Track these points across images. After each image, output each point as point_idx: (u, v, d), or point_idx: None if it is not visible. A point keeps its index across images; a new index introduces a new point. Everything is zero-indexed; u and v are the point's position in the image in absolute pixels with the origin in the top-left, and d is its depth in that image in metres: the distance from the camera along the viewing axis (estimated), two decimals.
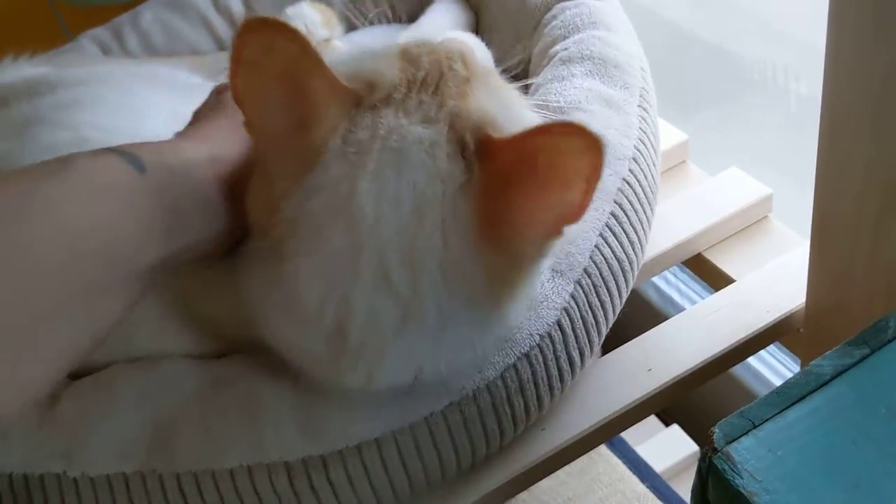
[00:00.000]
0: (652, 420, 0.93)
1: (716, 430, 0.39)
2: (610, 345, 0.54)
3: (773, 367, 0.86)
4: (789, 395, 0.40)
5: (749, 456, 0.38)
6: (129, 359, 0.44)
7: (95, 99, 0.57)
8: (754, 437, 0.38)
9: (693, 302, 0.91)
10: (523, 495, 0.83)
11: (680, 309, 0.94)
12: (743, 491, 0.37)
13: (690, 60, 0.85)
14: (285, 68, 0.37)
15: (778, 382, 0.58)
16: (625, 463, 0.85)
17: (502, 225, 0.37)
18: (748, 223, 0.59)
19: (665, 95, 0.85)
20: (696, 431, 0.91)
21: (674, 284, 0.96)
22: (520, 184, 0.36)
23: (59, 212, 0.34)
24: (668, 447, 0.88)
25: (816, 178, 0.45)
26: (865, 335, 0.41)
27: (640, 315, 0.98)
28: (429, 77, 0.39)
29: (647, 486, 0.84)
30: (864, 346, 0.41)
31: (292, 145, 0.38)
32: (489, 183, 0.37)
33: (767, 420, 0.39)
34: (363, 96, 0.38)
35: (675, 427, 0.91)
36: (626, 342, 0.53)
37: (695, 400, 0.86)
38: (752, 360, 0.86)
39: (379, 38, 0.69)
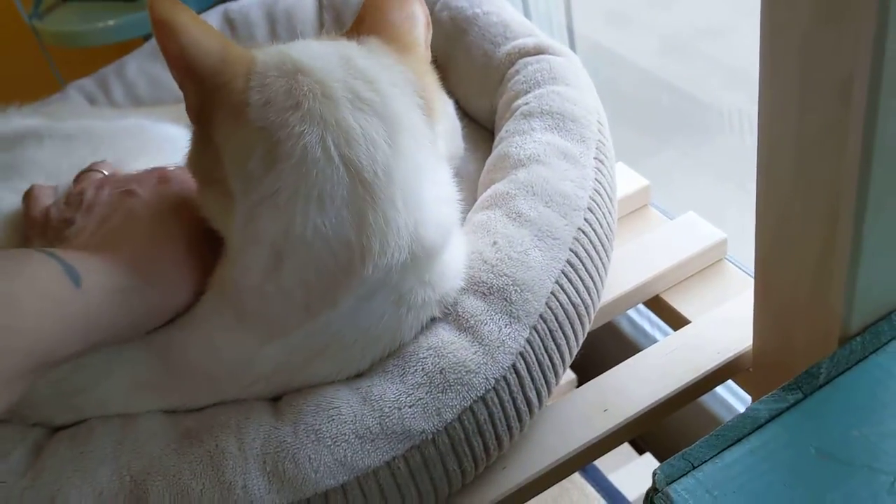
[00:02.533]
0: (625, 448, 0.96)
1: (658, 471, 0.41)
2: (589, 373, 0.57)
3: (742, 397, 0.89)
4: (727, 438, 0.42)
5: (688, 496, 0.40)
6: (104, 415, 0.47)
7: (76, 154, 0.60)
8: (693, 478, 0.41)
9: (665, 333, 0.93)
10: None
11: (651, 340, 0.97)
12: None
13: (658, 105, 0.89)
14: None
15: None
16: (598, 491, 0.88)
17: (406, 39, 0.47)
18: (703, 266, 0.62)
19: (632, 138, 0.88)
20: None
21: (645, 315, 0.99)
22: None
23: None
24: (640, 475, 0.90)
25: (756, 228, 0.48)
26: (799, 381, 0.44)
27: (615, 345, 1.01)
28: None
29: None
30: (798, 391, 0.43)
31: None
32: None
33: (706, 461, 0.42)
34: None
35: (648, 455, 0.93)
36: (603, 370, 0.56)
37: (667, 429, 0.89)
38: (720, 389, 0.89)
39: None
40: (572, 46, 0.94)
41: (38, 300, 0.39)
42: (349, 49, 0.46)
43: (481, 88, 0.65)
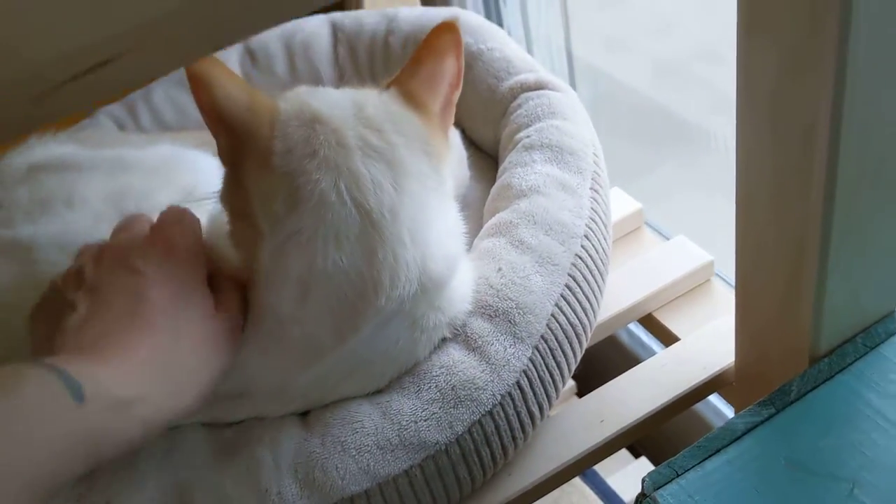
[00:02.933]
0: (623, 453, 1.01)
1: (646, 478, 0.47)
2: (591, 382, 0.62)
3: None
4: (708, 448, 0.47)
5: (672, 500, 0.45)
6: None
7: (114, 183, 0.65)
8: (677, 485, 0.46)
9: (659, 345, 0.99)
10: None
11: (649, 350, 1.02)
12: None
13: (652, 128, 0.94)
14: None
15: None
16: (596, 493, 0.93)
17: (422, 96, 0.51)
18: (692, 286, 0.67)
19: (627, 160, 0.93)
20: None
21: (643, 329, 1.03)
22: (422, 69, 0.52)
23: None
24: (636, 479, 0.95)
25: (736, 256, 0.53)
26: (773, 397, 0.49)
27: (616, 356, 1.06)
28: None
29: None
30: (771, 406, 0.49)
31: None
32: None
33: (689, 470, 0.47)
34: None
35: (644, 459, 0.98)
36: (603, 379, 0.61)
37: (662, 435, 0.94)
38: (712, 397, 0.94)
39: None
40: (571, 70, 0.98)
41: (37, 426, 0.37)
42: (365, 98, 0.51)
43: (486, 120, 0.70)
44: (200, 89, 0.48)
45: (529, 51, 1.03)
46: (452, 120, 0.54)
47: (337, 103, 0.50)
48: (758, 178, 0.48)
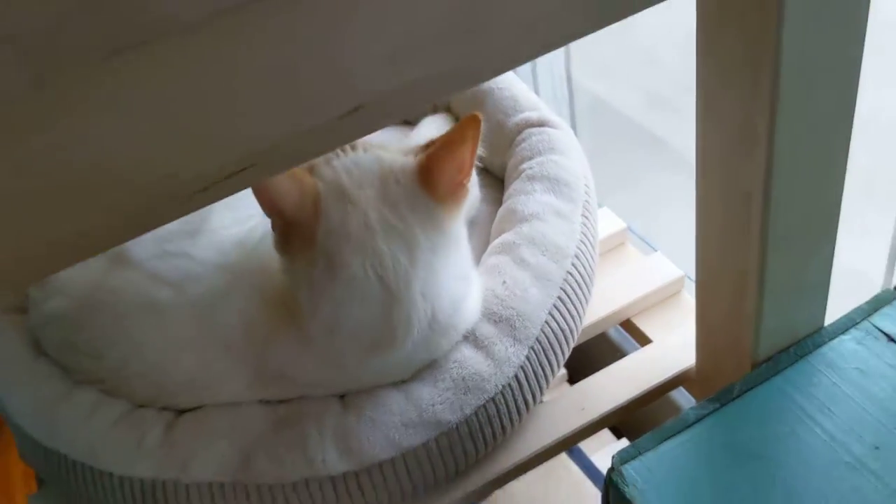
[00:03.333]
0: (607, 435, 1.13)
1: (615, 456, 0.59)
2: (584, 372, 0.75)
3: None
4: (665, 433, 0.60)
5: (635, 474, 0.58)
6: (216, 403, 0.64)
7: None
8: (639, 461, 0.58)
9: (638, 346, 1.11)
10: (500, 496, 1.04)
11: (633, 345, 1.15)
12: (628, 497, 0.57)
13: (641, 150, 1.05)
14: None
15: None
16: (581, 469, 1.06)
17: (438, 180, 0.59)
18: (665, 297, 0.79)
19: (617, 178, 1.04)
20: None
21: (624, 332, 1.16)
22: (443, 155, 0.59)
23: None
24: None
25: (696, 280, 0.65)
26: (719, 395, 0.61)
27: (605, 348, 1.19)
28: None
29: (600, 489, 1.04)
30: (717, 402, 0.61)
31: None
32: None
33: (649, 450, 0.59)
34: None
35: (625, 440, 1.11)
36: (593, 370, 0.74)
37: (641, 419, 1.07)
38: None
39: (387, 137, 0.88)
40: (570, 95, 1.10)
41: None
42: (389, 172, 0.60)
43: (495, 149, 0.82)
44: (260, 190, 0.57)
45: (534, 74, 1.15)
46: (464, 193, 0.62)
47: (365, 180, 0.59)
48: (711, 225, 0.60)
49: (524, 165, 0.77)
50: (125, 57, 0.28)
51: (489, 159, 0.84)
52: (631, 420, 0.83)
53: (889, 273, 0.75)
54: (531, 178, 0.75)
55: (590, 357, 0.91)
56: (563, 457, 1.09)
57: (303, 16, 0.32)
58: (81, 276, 0.67)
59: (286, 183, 0.58)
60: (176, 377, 0.63)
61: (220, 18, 0.30)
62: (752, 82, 0.48)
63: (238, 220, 0.68)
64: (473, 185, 0.79)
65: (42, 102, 0.27)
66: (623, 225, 0.86)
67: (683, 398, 1.08)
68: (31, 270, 0.34)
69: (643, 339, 0.78)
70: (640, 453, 0.59)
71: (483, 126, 0.81)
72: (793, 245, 0.57)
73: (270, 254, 0.62)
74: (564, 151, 0.77)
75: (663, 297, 0.80)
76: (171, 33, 0.29)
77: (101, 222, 0.33)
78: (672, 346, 0.74)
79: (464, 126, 0.58)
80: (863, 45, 0.49)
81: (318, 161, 0.60)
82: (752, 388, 0.61)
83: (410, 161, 0.60)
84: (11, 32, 0.26)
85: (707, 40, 0.51)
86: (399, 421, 0.62)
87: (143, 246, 0.66)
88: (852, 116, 0.53)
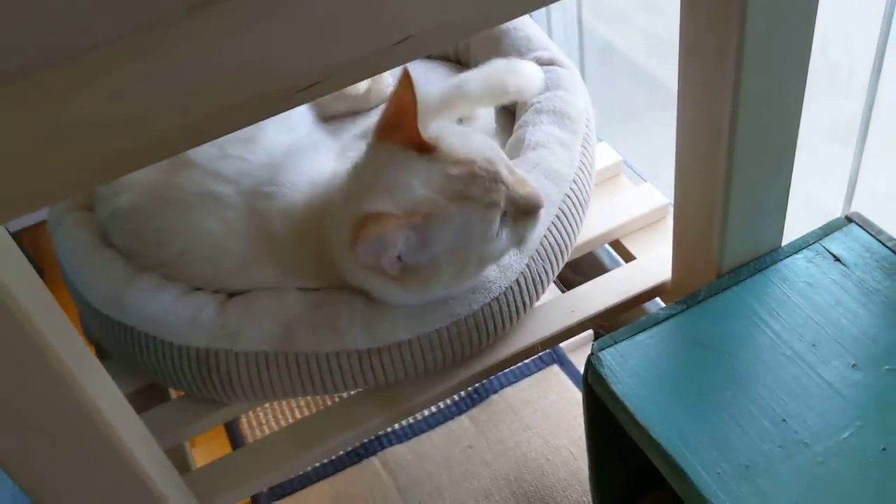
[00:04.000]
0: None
1: (594, 343, 0.71)
2: (577, 283, 0.85)
3: None
4: (638, 328, 0.71)
5: (611, 358, 0.70)
6: (264, 287, 0.76)
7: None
8: (614, 349, 0.70)
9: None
10: (498, 400, 1.17)
11: (617, 264, 1.27)
12: (604, 377, 0.69)
13: (642, 90, 1.15)
14: None
15: None
16: (570, 379, 1.18)
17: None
18: (651, 222, 0.90)
19: (616, 116, 1.14)
20: None
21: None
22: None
23: None
24: None
25: (674, 203, 0.76)
26: (687, 298, 0.73)
27: (596, 266, 1.31)
28: None
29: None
30: (685, 304, 0.72)
31: None
32: None
33: (624, 340, 0.71)
34: None
35: None
36: (583, 282, 0.85)
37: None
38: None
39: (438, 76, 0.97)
40: (581, 38, 1.19)
41: None
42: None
43: None
44: None
45: (548, 18, 1.23)
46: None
47: None
48: (687, 156, 0.70)
49: (533, 100, 0.87)
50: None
51: None
52: (614, 327, 0.95)
53: (847, 202, 0.85)
54: (538, 111, 0.85)
55: (582, 271, 1.03)
56: (556, 368, 1.22)
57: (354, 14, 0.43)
58: (146, 176, 0.78)
59: None
60: (230, 261, 0.74)
61: None
62: (723, 37, 0.58)
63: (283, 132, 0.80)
64: (490, 115, 0.90)
65: (192, 24, 0.37)
66: (619, 158, 0.96)
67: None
68: (156, 155, 0.45)
69: (629, 257, 0.89)
70: (615, 342, 0.71)
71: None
72: (753, 175, 0.67)
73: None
74: (570, 88, 0.87)
75: (649, 222, 0.91)
76: None
77: (225, 114, 0.44)
78: (652, 262, 0.86)
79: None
80: (816, 7, 0.59)
81: None
82: (715, 294, 0.73)
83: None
84: None
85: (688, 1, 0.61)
86: (418, 310, 0.74)
87: (204, 150, 0.76)
88: (806, 68, 0.63)
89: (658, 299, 0.97)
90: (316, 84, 0.46)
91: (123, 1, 0.35)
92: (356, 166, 0.70)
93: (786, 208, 0.72)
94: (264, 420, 1.27)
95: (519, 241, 0.71)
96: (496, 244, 0.69)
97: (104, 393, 0.56)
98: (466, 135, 0.70)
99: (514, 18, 0.50)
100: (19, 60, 0.34)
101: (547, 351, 1.18)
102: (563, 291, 1.08)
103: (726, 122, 0.63)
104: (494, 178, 0.67)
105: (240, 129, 0.45)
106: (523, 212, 0.69)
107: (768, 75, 0.61)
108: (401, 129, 0.67)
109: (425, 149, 0.67)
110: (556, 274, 0.81)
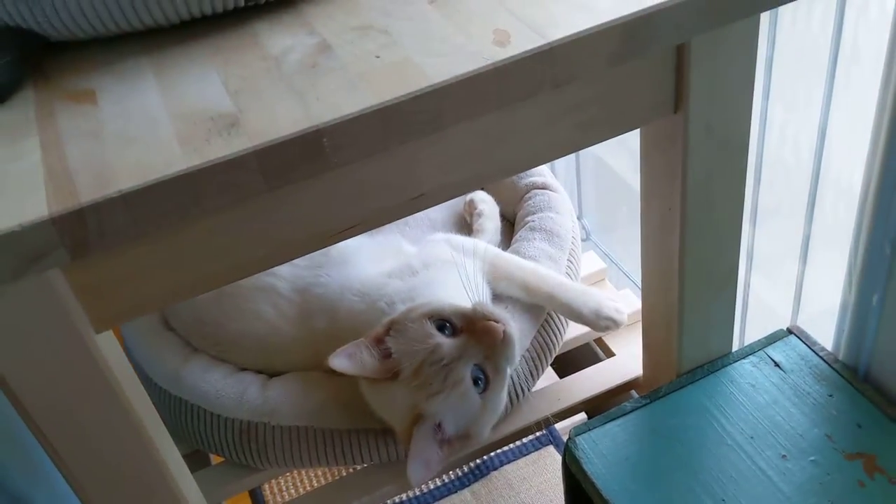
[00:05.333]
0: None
1: (572, 430, 0.85)
2: (567, 371, 0.99)
3: None
4: (609, 417, 0.85)
5: (585, 443, 0.84)
6: (302, 368, 0.91)
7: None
8: (588, 434, 0.84)
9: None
10: (497, 476, 1.29)
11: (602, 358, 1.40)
12: (578, 458, 0.82)
13: (628, 203, 1.31)
14: None
15: None
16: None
17: None
18: (629, 323, 1.05)
19: (604, 224, 1.30)
20: None
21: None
22: None
23: None
24: None
25: (642, 312, 0.91)
26: (650, 394, 0.87)
27: (583, 358, 1.45)
28: None
29: None
30: (648, 398, 0.87)
31: None
32: None
33: (596, 427, 0.85)
34: None
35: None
36: (577, 369, 0.99)
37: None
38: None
39: None
40: (577, 157, 1.36)
41: None
42: None
43: (507, 202, 1.09)
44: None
45: None
46: None
47: None
48: (649, 277, 0.86)
49: (528, 218, 1.03)
50: (318, 177, 0.54)
51: (504, 209, 1.11)
52: (600, 411, 1.09)
53: (795, 310, 0.99)
54: (532, 229, 1.02)
55: (572, 362, 1.17)
56: (551, 449, 1.35)
57: (393, 161, 0.59)
58: None
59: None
60: (278, 342, 0.90)
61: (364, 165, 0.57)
62: (670, 186, 0.74)
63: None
64: (497, 228, 1.05)
65: (271, 194, 0.53)
66: (603, 265, 1.12)
67: None
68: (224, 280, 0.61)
69: (609, 353, 1.04)
70: (590, 429, 0.85)
71: (501, 185, 1.08)
72: (702, 294, 0.82)
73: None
74: (559, 210, 1.03)
75: (627, 323, 1.05)
76: (321, 173, 0.56)
77: (288, 247, 0.60)
78: (629, 359, 1.00)
79: None
80: (745, 162, 0.75)
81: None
82: (674, 391, 0.87)
83: None
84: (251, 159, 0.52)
85: (646, 157, 0.77)
86: None
87: None
88: (741, 208, 0.78)
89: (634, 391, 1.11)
90: (353, 227, 0.62)
91: (227, 181, 0.51)
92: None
93: (732, 322, 0.87)
94: (285, 487, 1.40)
95: (506, 366, 0.78)
96: (493, 396, 0.78)
97: (171, 454, 0.71)
98: (405, 329, 0.77)
99: (507, 177, 0.64)
100: (158, 221, 0.51)
101: (543, 432, 1.32)
102: (560, 377, 1.23)
103: (676, 251, 0.78)
104: (432, 354, 0.75)
105: (298, 258, 0.61)
106: (489, 347, 0.76)
107: (708, 216, 0.77)
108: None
109: (391, 377, 0.77)
110: (546, 367, 0.96)
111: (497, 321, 0.76)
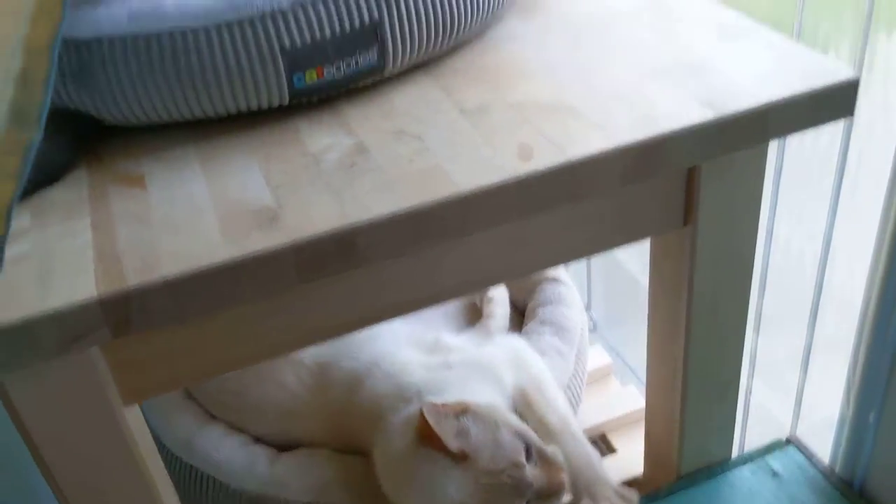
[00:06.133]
0: None
1: None
2: None
3: None
4: None
5: None
6: (312, 441, 0.93)
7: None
8: None
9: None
10: None
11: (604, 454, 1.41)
12: None
13: (635, 296, 1.34)
14: None
15: None
16: None
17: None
18: (632, 421, 1.07)
19: (612, 316, 1.33)
20: None
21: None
22: None
23: None
24: None
25: (646, 414, 0.93)
26: (650, 494, 0.88)
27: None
28: None
29: None
30: (650, 500, 0.88)
31: None
32: None
33: None
34: None
35: None
36: None
37: None
38: None
39: None
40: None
41: None
42: None
43: (519, 292, 1.12)
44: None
45: None
46: None
47: None
48: (654, 385, 0.88)
49: (539, 310, 1.07)
50: (349, 272, 0.58)
51: (514, 297, 1.14)
52: None
53: (795, 419, 1.01)
54: (542, 322, 1.05)
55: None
56: None
57: (418, 259, 0.63)
58: None
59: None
60: (295, 408, 0.92)
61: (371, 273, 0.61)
62: (677, 299, 0.78)
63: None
64: (505, 304, 1.08)
65: (303, 287, 0.57)
66: (609, 360, 1.14)
67: None
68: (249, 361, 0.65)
69: (611, 449, 1.05)
70: None
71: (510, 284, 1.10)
72: (703, 401, 0.85)
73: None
74: (569, 304, 1.06)
75: (630, 422, 1.07)
76: (352, 269, 0.60)
77: (313, 333, 0.64)
78: (631, 456, 1.02)
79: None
80: (751, 275, 0.78)
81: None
82: (673, 493, 0.89)
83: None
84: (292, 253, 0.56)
85: (655, 265, 0.81)
86: None
87: None
88: (744, 321, 0.81)
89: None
90: (374, 318, 0.66)
91: (265, 274, 0.55)
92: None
93: (733, 428, 0.89)
94: None
95: None
96: None
97: None
98: (497, 429, 0.79)
99: (524, 277, 0.66)
100: (198, 308, 0.54)
101: None
102: None
103: (681, 357, 0.81)
104: (518, 485, 0.76)
105: (322, 343, 0.65)
106: (545, 497, 0.78)
107: (713, 326, 0.80)
108: (435, 441, 0.77)
109: (459, 457, 0.76)
110: None
111: (562, 470, 0.79)
